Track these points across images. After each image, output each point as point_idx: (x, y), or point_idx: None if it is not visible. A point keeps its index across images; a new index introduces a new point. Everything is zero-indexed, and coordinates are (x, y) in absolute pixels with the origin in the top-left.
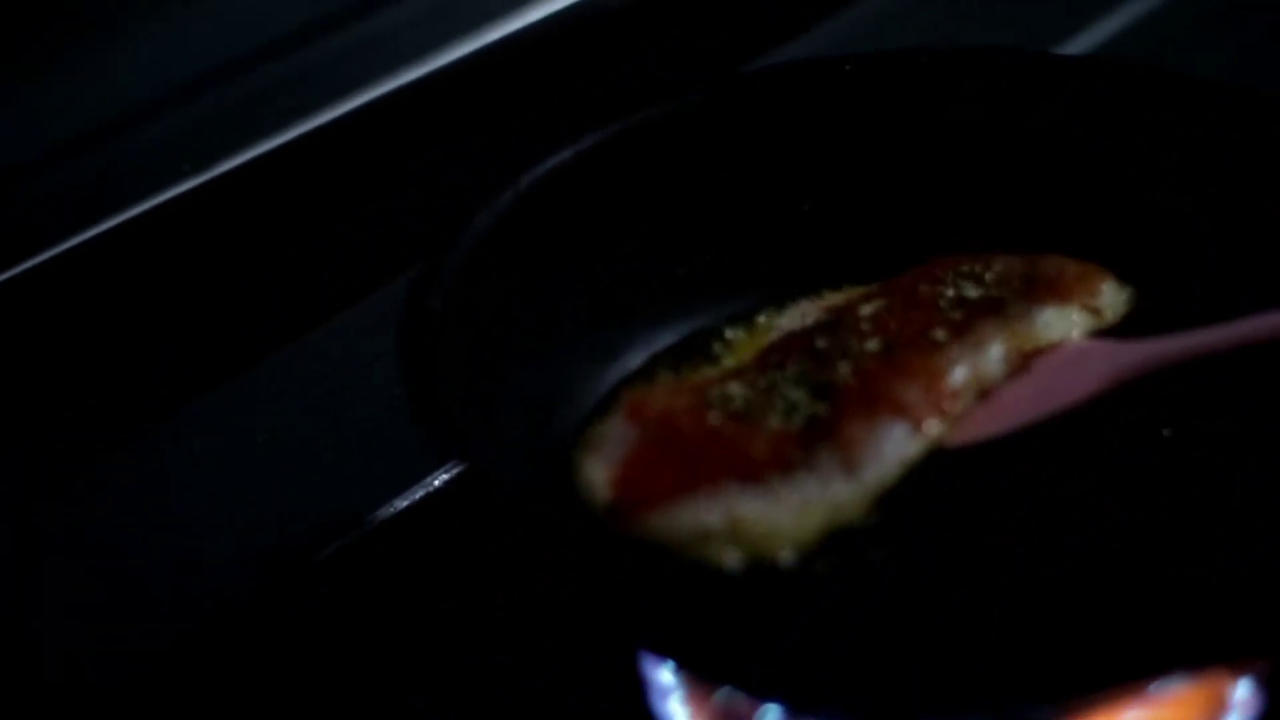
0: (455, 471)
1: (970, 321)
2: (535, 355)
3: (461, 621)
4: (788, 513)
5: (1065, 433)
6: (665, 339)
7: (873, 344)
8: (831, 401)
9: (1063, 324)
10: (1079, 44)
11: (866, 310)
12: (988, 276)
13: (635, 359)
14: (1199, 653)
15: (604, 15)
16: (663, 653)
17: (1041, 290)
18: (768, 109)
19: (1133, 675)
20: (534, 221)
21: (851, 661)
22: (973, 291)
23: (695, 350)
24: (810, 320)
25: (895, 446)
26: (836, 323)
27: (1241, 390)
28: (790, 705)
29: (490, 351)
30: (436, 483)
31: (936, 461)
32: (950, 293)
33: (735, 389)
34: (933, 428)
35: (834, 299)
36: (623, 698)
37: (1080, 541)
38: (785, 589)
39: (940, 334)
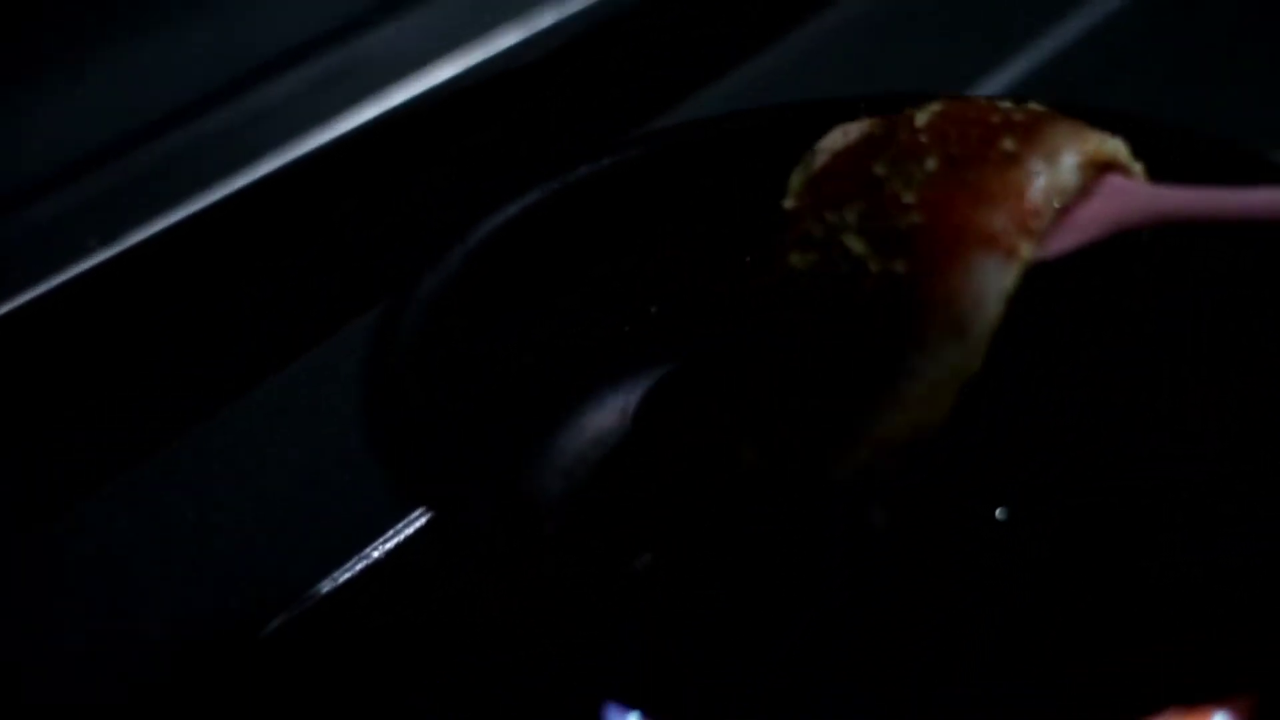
0: (394, 542)
1: (1036, 128)
2: (497, 410)
3: (413, 697)
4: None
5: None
6: (627, 399)
7: (934, 163)
8: (912, 250)
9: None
10: (993, 84)
11: (921, 120)
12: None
13: (601, 415)
14: (1183, 691)
15: (539, 67)
16: (633, 705)
17: None
18: (708, 158)
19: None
20: (484, 279)
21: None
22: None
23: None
24: (856, 137)
25: (995, 283)
26: (889, 138)
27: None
28: None
29: (454, 408)
30: (375, 554)
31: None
32: (1006, 104)
33: (795, 258)
34: (1025, 251)
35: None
36: None
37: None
38: (753, 638)
39: (1009, 144)
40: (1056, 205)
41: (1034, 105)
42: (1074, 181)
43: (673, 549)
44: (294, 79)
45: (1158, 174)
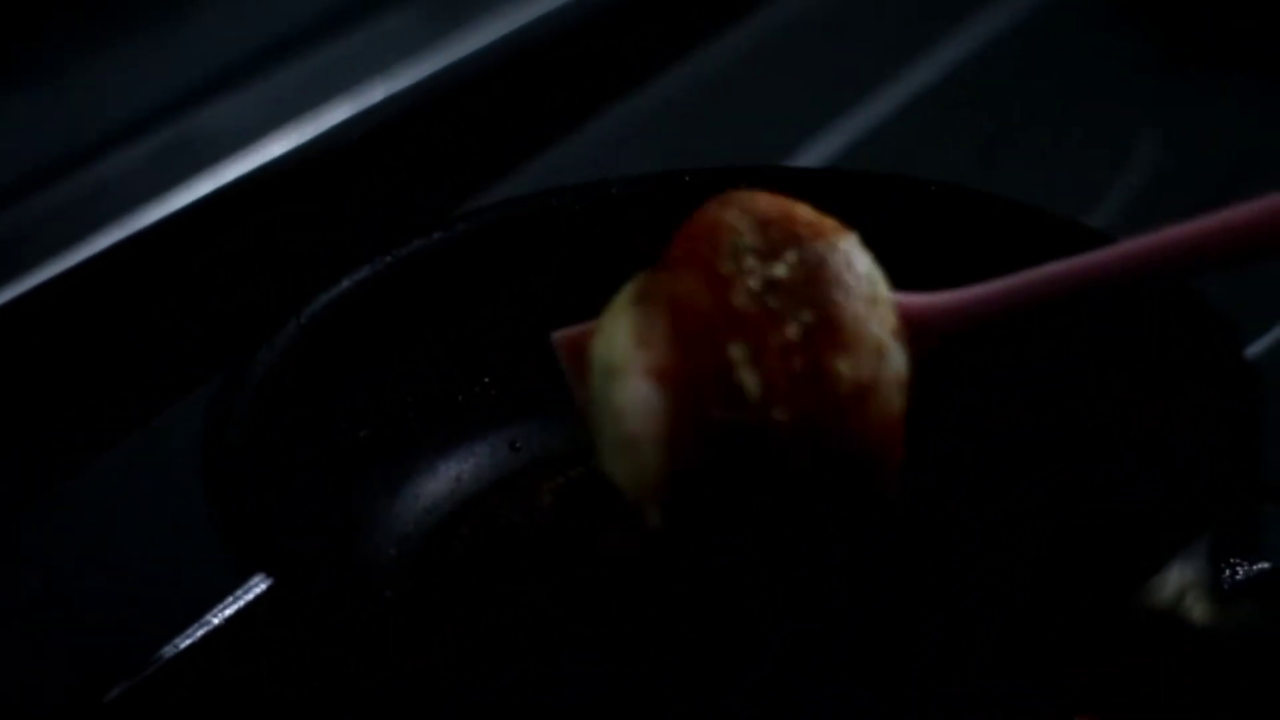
0: (234, 608)
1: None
2: (333, 479)
3: None
4: None
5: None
6: (460, 466)
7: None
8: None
9: None
10: (810, 157)
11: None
12: None
13: (435, 486)
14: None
15: (369, 142)
16: None
17: None
18: (537, 231)
19: None
20: (317, 353)
21: None
22: None
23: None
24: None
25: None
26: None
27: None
28: None
29: (290, 483)
30: (216, 620)
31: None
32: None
33: None
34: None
35: None
36: None
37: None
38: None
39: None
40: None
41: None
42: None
43: (505, 613)
44: (127, 154)
45: (974, 241)
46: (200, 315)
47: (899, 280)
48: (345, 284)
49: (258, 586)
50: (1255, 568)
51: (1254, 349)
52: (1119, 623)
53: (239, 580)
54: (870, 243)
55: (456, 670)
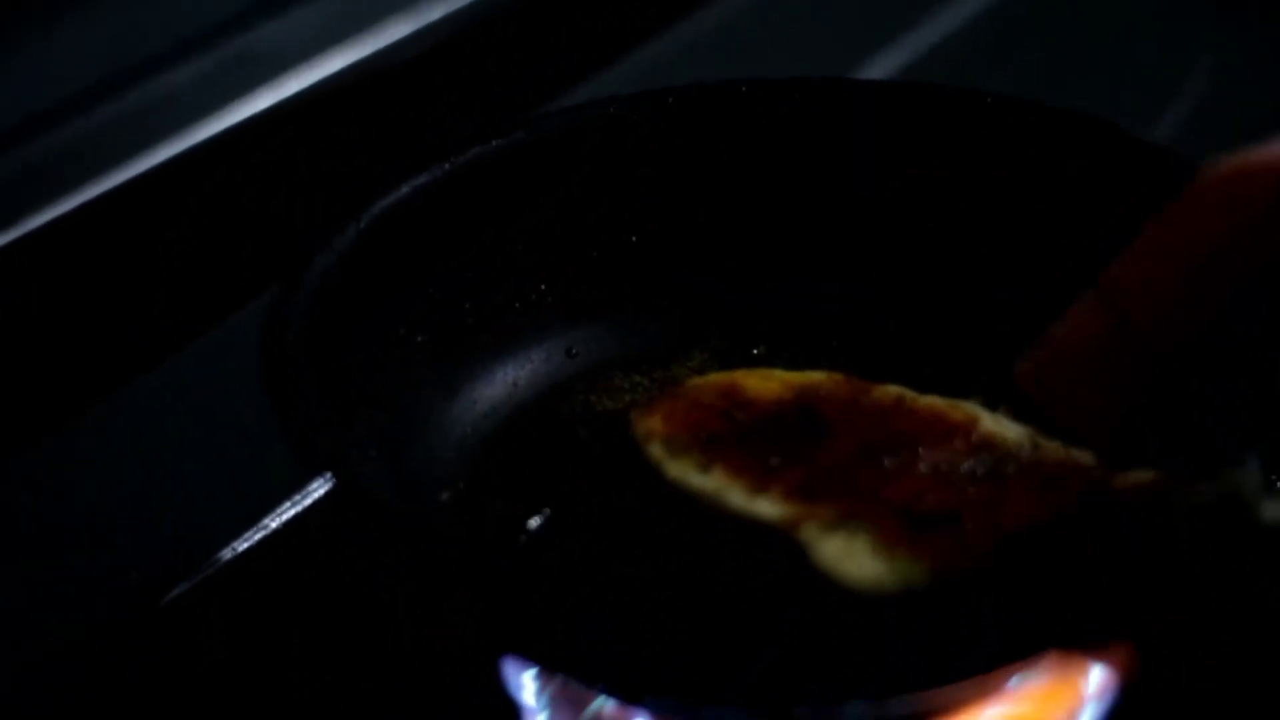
0: (292, 512)
1: None
2: (392, 384)
3: (316, 662)
4: None
5: None
6: (517, 372)
7: None
8: None
9: None
10: (875, 70)
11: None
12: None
13: (492, 391)
14: (1046, 638)
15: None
16: (532, 659)
17: None
18: (596, 140)
19: (980, 665)
20: (376, 258)
21: (720, 660)
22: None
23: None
24: None
25: None
26: None
27: None
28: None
29: (349, 386)
30: (274, 524)
31: None
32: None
33: None
34: None
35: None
36: None
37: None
38: (645, 596)
39: None
40: None
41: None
42: None
43: (564, 513)
44: (187, 70)
45: (1042, 156)
46: (263, 226)
47: (961, 190)
48: (404, 189)
49: (315, 491)
50: None
51: None
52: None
53: (297, 484)
54: (934, 155)
55: (509, 567)
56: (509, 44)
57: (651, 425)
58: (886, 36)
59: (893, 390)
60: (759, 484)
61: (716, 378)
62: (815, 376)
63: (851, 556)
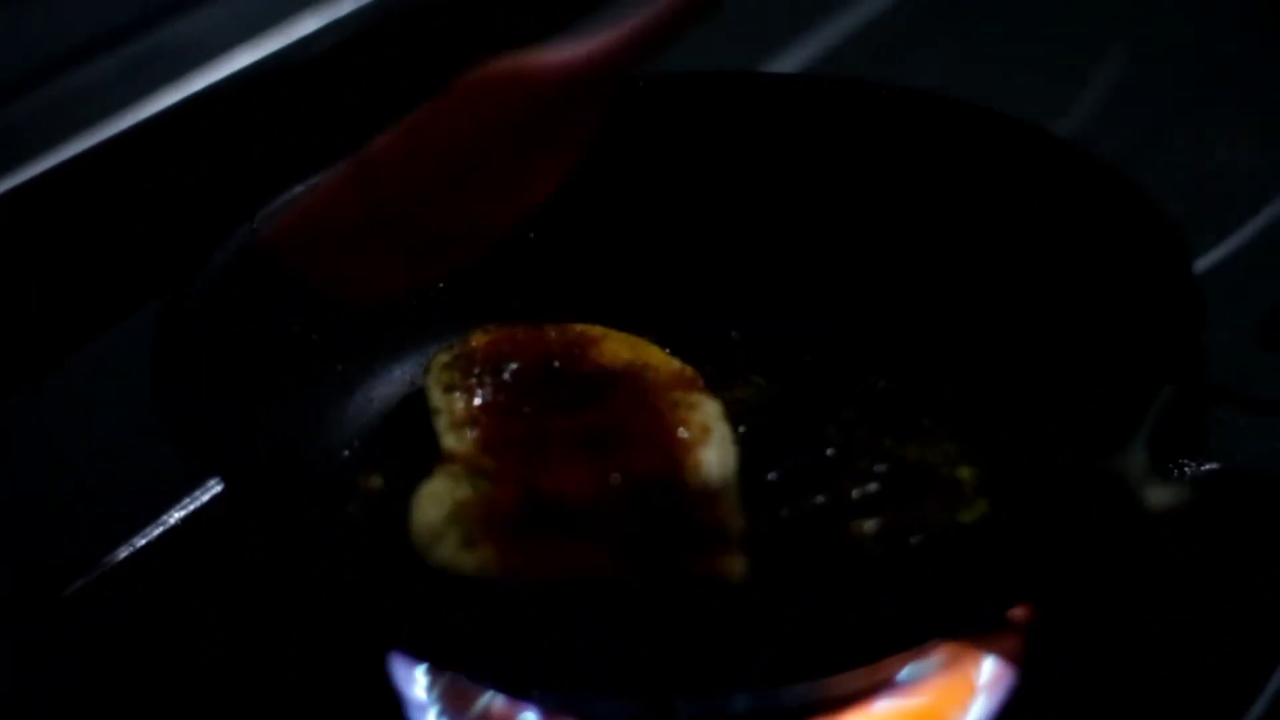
0: (189, 509)
1: None
2: (286, 386)
3: (210, 656)
4: None
5: None
6: (414, 370)
7: None
8: None
9: None
10: (785, 63)
11: None
12: None
13: (389, 389)
14: (931, 627)
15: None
16: (422, 655)
17: None
18: None
19: (865, 655)
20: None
21: (608, 652)
22: None
23: None
24: None
25: None
26: None
27: None
28: (550, 696)
29: (242, 382)
30: (171, 520)
31: None
32: None
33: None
34: None
35: None
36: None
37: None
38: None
39: None
40: None
41: None
42: None
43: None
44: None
45: (955, 149)
46: (164, 224)
47: (872, 185)
48: (298, 189)
49: (213, 488)
50: (1203, 468)
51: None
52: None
53: (193, 483)
54: (847, 148)
55: (399, 563)
56: (416, 38)
57: None
58: (801, 27)
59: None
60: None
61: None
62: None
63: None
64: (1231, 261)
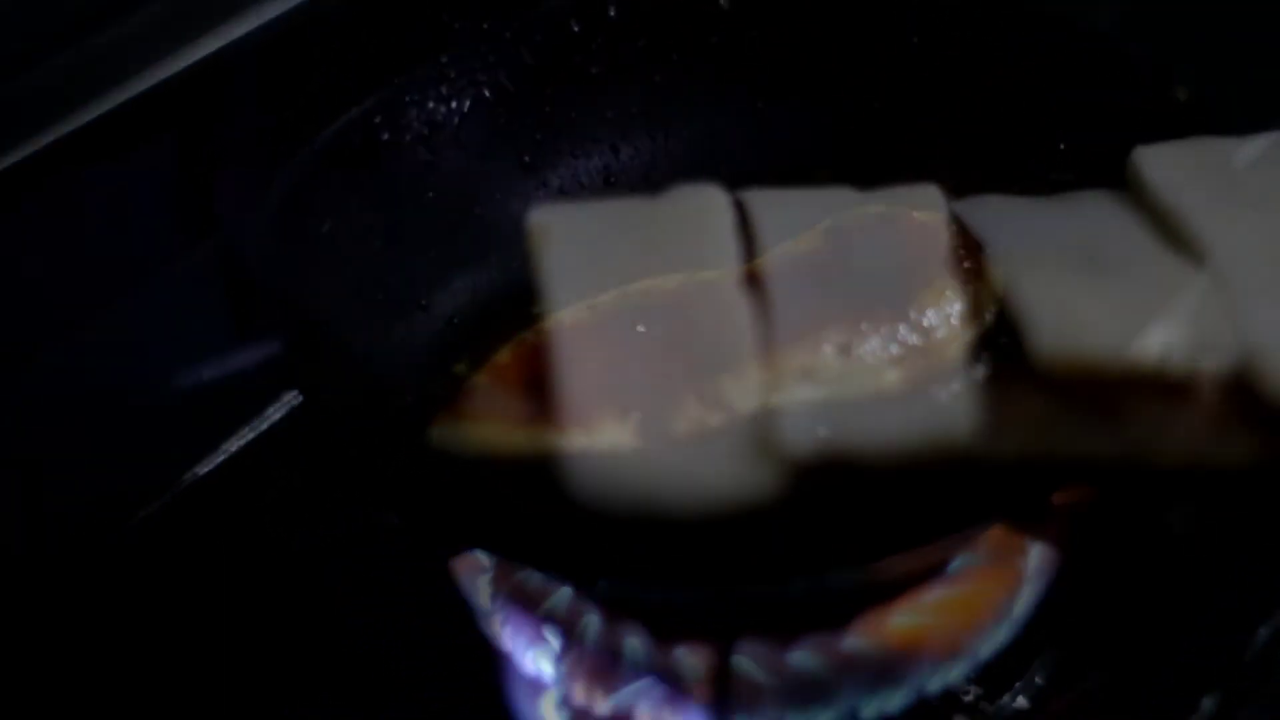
0: (252, 436)
1: None
2: (355, 303)
3: (277, 577)
4: None
5: None
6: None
7: None
8: None
9: None
10: None
11: None
12: None
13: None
14: (984, 512)
15: None
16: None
17: None
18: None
19: (918, 539)
20: (333, 178)
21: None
22: None
23: None
24: None
25: None
26: None
27: None
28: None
29: (312, 293)
30: (234, 448)
31: None
32: None
33: None
34: None
35: None
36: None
37: None
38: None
39: None
40: None
41: None
42: None
43: None
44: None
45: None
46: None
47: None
48: (354, 112)
49: (272, 416)
50: None
51: None
52: None
53: (255, 411)
54: (882, 44)
55: (465, 472)
56: None
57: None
58: None
59: None
60: None
61: None
62: None
63: None
64: None
